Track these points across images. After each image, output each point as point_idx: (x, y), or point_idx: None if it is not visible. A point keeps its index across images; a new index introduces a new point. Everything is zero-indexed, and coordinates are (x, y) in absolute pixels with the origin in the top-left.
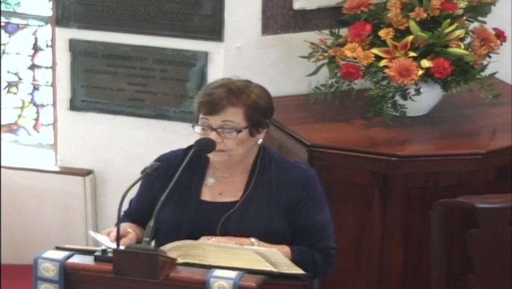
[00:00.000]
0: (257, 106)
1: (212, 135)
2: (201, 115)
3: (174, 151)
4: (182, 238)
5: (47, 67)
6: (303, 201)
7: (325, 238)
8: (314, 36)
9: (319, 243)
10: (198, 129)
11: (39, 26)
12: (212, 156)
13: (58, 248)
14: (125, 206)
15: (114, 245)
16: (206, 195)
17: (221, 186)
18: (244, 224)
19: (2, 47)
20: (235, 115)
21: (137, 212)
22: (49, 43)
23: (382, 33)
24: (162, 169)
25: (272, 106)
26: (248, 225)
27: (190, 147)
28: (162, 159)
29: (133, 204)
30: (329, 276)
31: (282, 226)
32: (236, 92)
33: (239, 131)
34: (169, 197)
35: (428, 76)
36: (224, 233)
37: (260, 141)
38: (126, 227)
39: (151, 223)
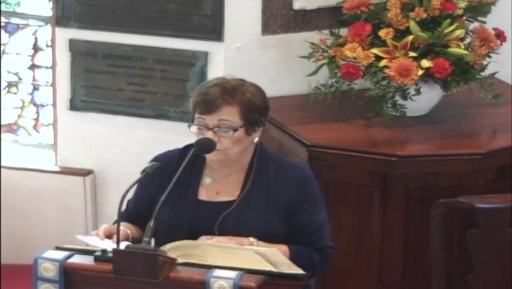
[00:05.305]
0: (252, 104)
1: (209, 135)
2: (197, 115)
3: (170, 151)
4: (181, 238)
5: (47, 67)
6: (301, 201)
7: (322, 237)
8: (314, 36)
9: (317, 242)
10: (194, 128)
11: (39, 26)
12: (209, 155)
13: (58, 248)
14: (125, 206)
15: (104, 245)
16: (204, 195)
17: (218, 186)
18: (241, 224)
19: (2, 47)
20: (230, 114)
21: (134, 212)
22: (49, 43)
23: (382, 33)
24: (159, 169)
25: (267, 104)
26: (246, 224)
27: (186, 147)
28: (159, 159)
29: (130, 204)
30: (325, 274)
31: (280, 225)
32: (231, 91)
33: (235, 130)
34: (167, 198)
35: (428, 76)
36: (222, 232)
37: (256, 140)
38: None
39: (151, 223)
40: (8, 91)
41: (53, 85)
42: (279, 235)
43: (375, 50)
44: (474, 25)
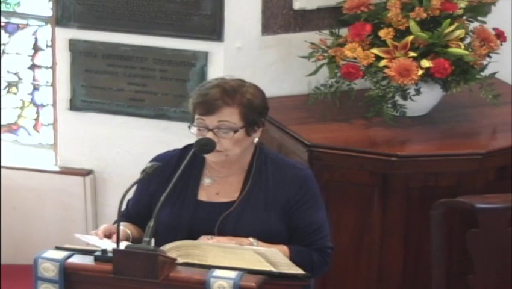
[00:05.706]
0: (252, 105)
1: (209, 136)
2: (197, 116)
3: (170, 151)
4: (180, 238)
5: (47, 67)
6: (300, 201)
7: (322, 238)
8: (314, 36)
9: (316, 243)
10: (194, 129)
11: (39, 26)
12: (209, 156)
13: (58, 248)
14: (125, 206)
15: (103, 244)
16: (203, 195)
17: (218, 187)
18: (241, 224)
19: (2, 47)
20: (231, 115)
21: (133, 212)
22: (49, 43)
23: (382, 33)
24: (159, 169)
25: (267, 104)
26: (245, 225)
27: (186, 147)
28: (158, 159)
29: (130, 204)
30: (325, 274)
31: (279, 225)
32: (231, 92)
33: (235, 131)
34: (166, 198)
35: (428, 76)
36: (221, 233)
37: (256, 140)
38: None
39: (151, 223)
40: (8, 91)
41: (53, 85)
42: (279, 235)
43: (375, 50)
44: (474, 25)
